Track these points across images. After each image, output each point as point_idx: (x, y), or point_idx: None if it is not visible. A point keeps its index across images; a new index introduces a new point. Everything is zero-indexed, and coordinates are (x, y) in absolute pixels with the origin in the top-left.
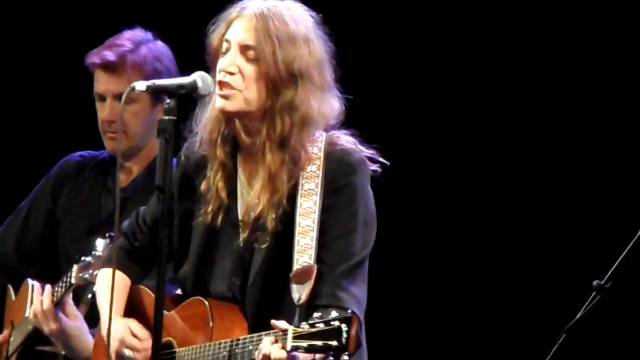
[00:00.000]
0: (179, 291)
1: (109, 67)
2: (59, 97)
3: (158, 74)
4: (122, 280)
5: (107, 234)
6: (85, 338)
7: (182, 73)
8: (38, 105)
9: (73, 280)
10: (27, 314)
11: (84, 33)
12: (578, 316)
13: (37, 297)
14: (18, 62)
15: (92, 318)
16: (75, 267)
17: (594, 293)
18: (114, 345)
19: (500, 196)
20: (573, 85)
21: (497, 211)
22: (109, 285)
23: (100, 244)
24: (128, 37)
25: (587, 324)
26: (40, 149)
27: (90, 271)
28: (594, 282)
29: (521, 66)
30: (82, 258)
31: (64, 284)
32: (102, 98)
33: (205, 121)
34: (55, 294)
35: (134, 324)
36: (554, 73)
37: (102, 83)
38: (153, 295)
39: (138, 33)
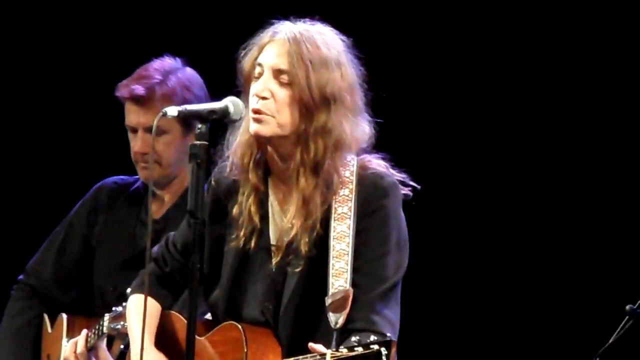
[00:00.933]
0: (208, 316)
1: (139, 100)
2: (97, 119)
3: (187, 104)
4: (153, 307)
5: None
6: None
7: (213, 98)
8: (74, 128)
9: (105, 330)
10: (62, 352)
11: (120, 55)
12: (611, 341)
13: (71, 343)
14: (53, 84)
15: None
16: (107, 317)
17: (626, 317)
18: None
19: (531, 220)
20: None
21: (528, 236)
22: (141, 312)
23: None
24: (157, 68)
25: (620, 349)
26: (76, 171)
27: (122, 323)
28: (627, 307)
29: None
30: (114, 308)
31: (96, 331)
32: (134, 130)
33: (236, 146)
34: (89, 339)
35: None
36: (589, 93)
37: (133, 116)
38: (184, 320)
39: (166, 62)
